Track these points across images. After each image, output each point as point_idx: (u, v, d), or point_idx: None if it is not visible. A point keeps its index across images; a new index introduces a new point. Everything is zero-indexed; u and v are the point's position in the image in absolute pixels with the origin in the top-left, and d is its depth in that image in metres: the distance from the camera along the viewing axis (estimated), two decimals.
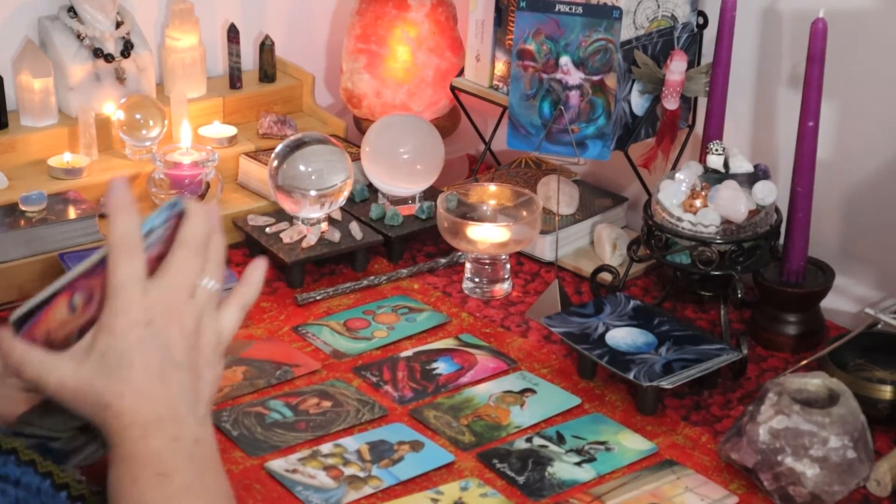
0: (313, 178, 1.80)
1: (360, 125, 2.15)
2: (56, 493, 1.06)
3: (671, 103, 1.82)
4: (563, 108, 1.80)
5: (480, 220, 1.83)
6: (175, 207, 1.09)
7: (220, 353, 1.11)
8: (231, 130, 2.02)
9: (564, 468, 1.46)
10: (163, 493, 1.04)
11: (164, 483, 1.04)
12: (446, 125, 2.15)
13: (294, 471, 1.44)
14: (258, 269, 1.14)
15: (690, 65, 1.84)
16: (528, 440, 1.51)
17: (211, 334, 1.09)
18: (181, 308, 1.07)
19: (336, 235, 1.84)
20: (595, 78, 1.79)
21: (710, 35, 1.82)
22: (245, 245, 1.89)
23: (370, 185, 1.96)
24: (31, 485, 1.05)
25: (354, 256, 1.85)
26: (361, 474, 1.43)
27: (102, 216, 1.84)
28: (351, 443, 1.49)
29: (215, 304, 1.10)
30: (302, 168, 1.80)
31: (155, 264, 1.07)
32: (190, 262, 1.07)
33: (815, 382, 1.45)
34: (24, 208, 1.78)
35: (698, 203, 1.65)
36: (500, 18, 1.98)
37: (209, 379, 1.09)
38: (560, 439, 1.51)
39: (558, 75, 1.80)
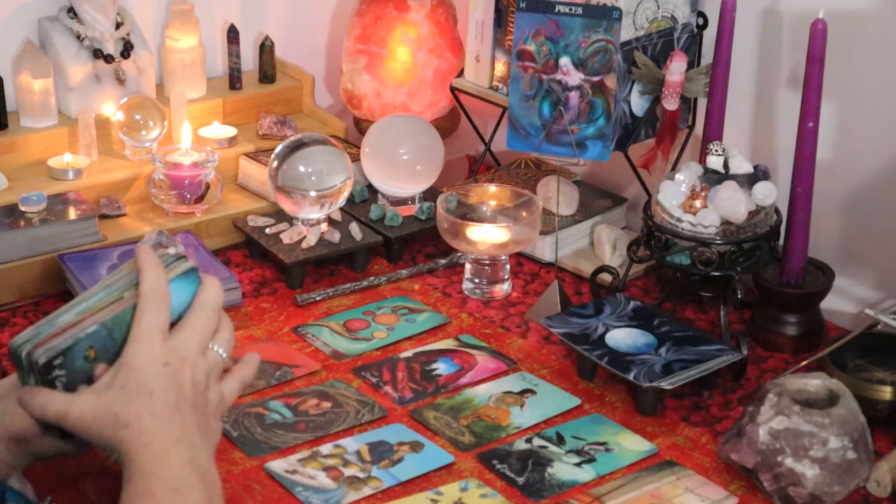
0: (313, 178, 1.80)
1: (360, 126, 2.15)
2: None
3: (671, 104, 1.82)
4: (562, 108, 1.80)
5: (480, 220, 1.83)
6: (190, 274, 1.21)
7: (221, 413, 1.21)
8: (231, 131, 2.02)
9: (564, 469, 1.46)
10: None
11: (178, 499, 1.10)
12: (446, 126, 2.15)
13: (294, 471, 1.44)
14: (255, 357, 1.27)
15: (690, 65, 1.84)
16: (528, 441, 1.51)
17: (215, 394, 1.20)
18: (194, 360, 1.17)
19: (336, 236, 1.84)
20: (595, 79, 1.79)
21: (709, 36, 1.82)
22: (245, 246, 1.89)
23: (370, 186, 1.96)
24: None
25: (354, 257, 1.85)
26: (361, 475, 1.43)
27: (102, 217, 1.84)
28: (351, 443, 1.49)
29: (220, 371, 1.21)
30: (302, 169, 1.80)
31: None
32: (206, 322, 1.19)
33: (815, 383, 1.45)
34: (24, 209, 1.78)
35: (698, 204, 1.65)
36: (500, 19, 1.98)
37: (214, 427, 1.19)
38: (560, 440, 1.51)
39: (558, 76, 1.80)
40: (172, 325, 1.19)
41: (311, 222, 1.84)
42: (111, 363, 1.16)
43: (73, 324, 1.15)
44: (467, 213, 1.85)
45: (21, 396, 1.14)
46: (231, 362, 1.23)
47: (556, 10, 1.78)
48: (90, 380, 1.16)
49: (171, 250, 1.24)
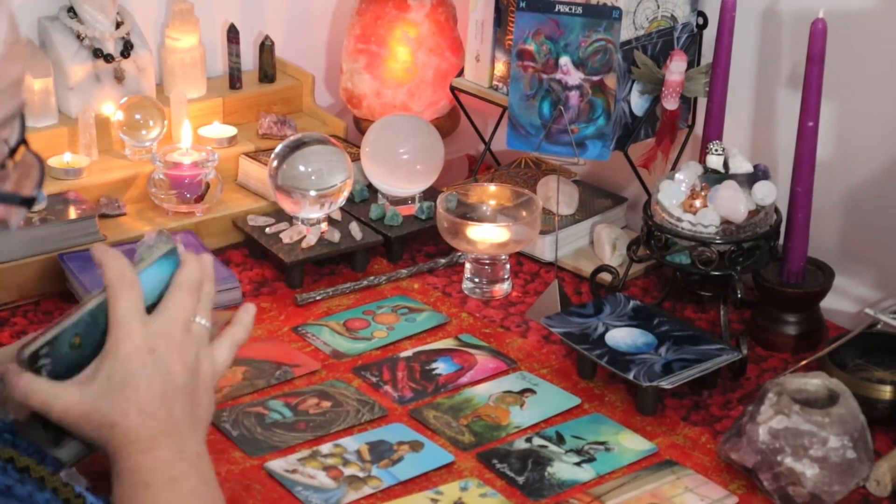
0: (313, 178, 1.80)
1: (360, 125, 2.15)
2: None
3: (671, 103, 1.82)
4: (562, 108, 1.80)
5: (480, 220, 1.83)
6: (170, 256, 1.18)
7: (215, 384, 1.18)
8: (231, 131, 2.02)
9: (564, 468, 1.46)
10: (175, 496, 1.08)
11: (175, 487, 1.09)
12: (446, 125, 2.15)
13: (294, 471, 1.44)
14: (248, 312, 1.23)
15: (690, 65, 1.84)
16: (528, 440, 1.51)
17: (207, 365, 1.17)
18: (180, 340, 1.14)
19: (336, 236, 1.84)
20: (595, 78, 1.79)
21: (709, 35, 1.82)
22: (245, 245, 1.89)
23: (370, 186, 1.96)
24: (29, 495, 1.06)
25: (354, 257, 1.85)
26: (361, 474, 1.44)
27: (102, 216, 1.84)
28: (350, 443, 1.49)
29: (208, 340, 1.18)
30: (302, 168, 1.80)
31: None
32: (185, 301, 1.16)
33: (815, 382, 1.45)
34: None
35: (698, 203, 1.65)
36: (500, 19, 1.98)
37: (206, 405, 1.16)
38: (560, 439, 1.51)
39: (558, 75, 1.80)
40: (157, 303, 1.16)
41: (311, 222, 1.84)
42: (96, 350, 1.13)
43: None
44: (467, 212, 1.85)
45: (5, 376, 1.10)
46: (224, 318, 1.21)
47: (556, 9, 1.78)
48: (76, 368, 1.12)
49: (148, 241, 1.20)
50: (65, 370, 1.12)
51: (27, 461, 1.06)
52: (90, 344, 1.13)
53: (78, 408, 1.09)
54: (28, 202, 1.02)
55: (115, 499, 1.09)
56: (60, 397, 1.09)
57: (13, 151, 0.99)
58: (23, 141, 1.00)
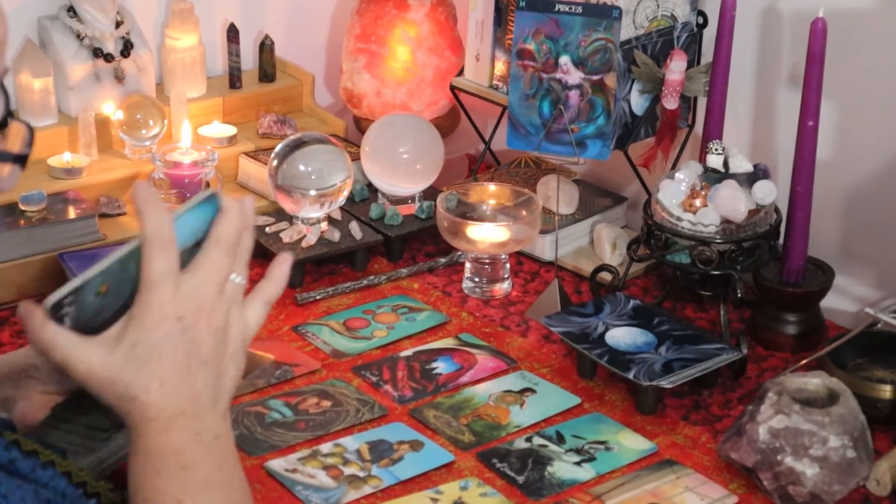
0: (313, 177, 1.80)
1: (360, 125, 2.15)
2: (78, 494, 1.08)
3: (671, 103, 1.82)
4: (562, 107, 1.80)
5: (480, 219, 1.83)
6: (211, 200, 1.10)
7: (246, 346, 1.12)
8: (231, 130, 2.02)
9: (564, 468, 1.46)
10: (185, 485, 1.06)
11: (186, 476, 1.06)
12: (446, 125, 2.15)
13: (294, 470, 1.44)
14: (283, 263, 1.16)
15: (690, 64, 1.84)
16: (528, 440, 1.51)
17: (238, 329, 1.11)
18: (211, 304, 1.08)
19: (336, 235, 1.84)
20: (595, 77, 1.79)
21: (709, 35, 1.82)
22: None
23: (370, 185, 1.96)
24: (57, 488, 1.06)
25: (354, 256, 1.85)
26: (361, 474, 1.44)
27: (102, 216, 1.84)
28: (351, 442, 1.49)
29: (241, 298, 1.11)
30: (302, 168, 1.80)
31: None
32: (222, 260, 1.09)
33: (815, 382, 1.45)
34: (23, 208, 1.78)
35: (698, 203, 1.65)
36: (500, 18, 1.98)
37: (232, 374, 1.11)
38: (560, 439, 1.51)
39: (558, 75, 1.80)
40: (193, 248, 1.09)
41: (310, 221, 1.84)
42: (124, 300, 1.07)
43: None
44: (467, 211, 1.85)
45: (27, 321, 1.05)
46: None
47: (556, 8, 1.78)
48: (100, 317, 1.07)
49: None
50: (89, 317, 1.07)
51: (52, 455, 1.06)
52: (118, 291, 1.08)
53: (101, 372, 1.06)
54: (21, 159, 1.00)
55: (130, 473, 1.08)
56: (84, 357, 1.05)
57: (1, 126, 0.98)
58: (9, 114, 0.99)
